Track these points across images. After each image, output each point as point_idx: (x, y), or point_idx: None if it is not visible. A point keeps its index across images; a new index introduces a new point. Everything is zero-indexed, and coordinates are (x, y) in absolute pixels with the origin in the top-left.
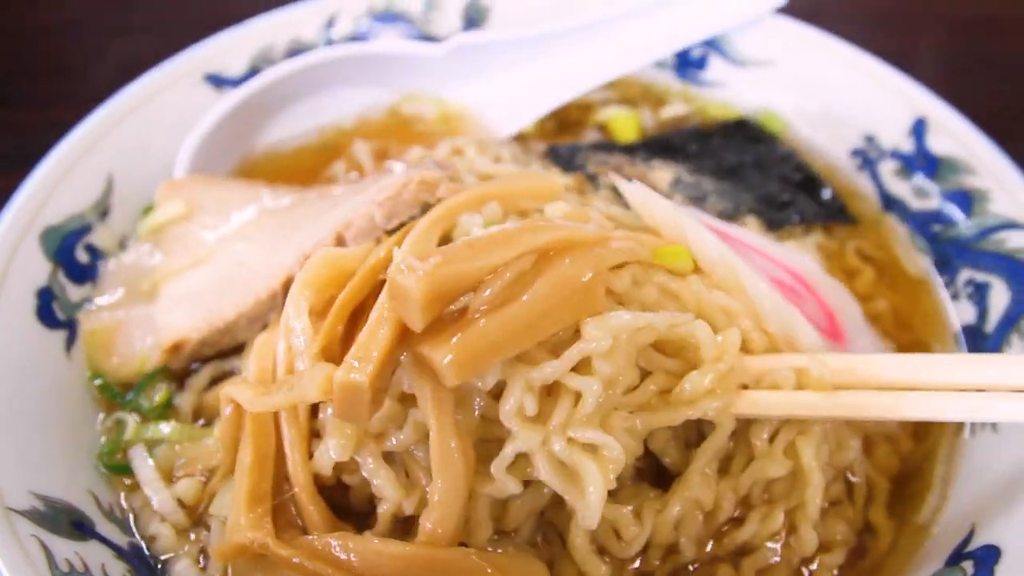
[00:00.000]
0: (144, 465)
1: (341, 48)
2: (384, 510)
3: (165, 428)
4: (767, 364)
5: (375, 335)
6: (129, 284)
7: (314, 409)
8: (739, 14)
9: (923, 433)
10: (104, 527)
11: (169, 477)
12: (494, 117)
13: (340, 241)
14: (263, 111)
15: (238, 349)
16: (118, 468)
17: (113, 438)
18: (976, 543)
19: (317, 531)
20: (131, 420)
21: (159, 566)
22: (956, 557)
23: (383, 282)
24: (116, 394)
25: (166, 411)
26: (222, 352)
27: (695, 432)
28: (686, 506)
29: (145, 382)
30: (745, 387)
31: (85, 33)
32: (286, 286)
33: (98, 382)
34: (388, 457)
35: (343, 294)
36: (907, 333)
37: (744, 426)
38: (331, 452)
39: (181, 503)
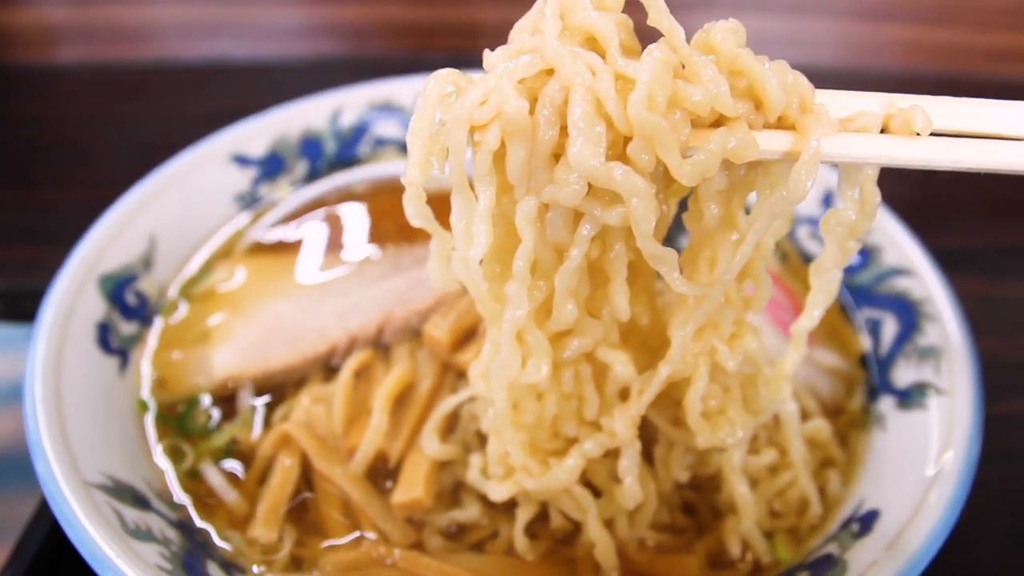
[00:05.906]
0: (217, 479)
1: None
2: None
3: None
4: (849, 103)
5: None
6: (181, 334)
7: None
8: None
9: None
10: (157, 504)
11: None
12: None
13: (380, 332)
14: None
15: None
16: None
17: (185, 459)
18: (861, 511)
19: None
20: (188, 450)
21: (203, 538)
22: (846, 523)
23: None
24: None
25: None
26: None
27: None
28: None
29: (188, 410)
30: None
31: (101, 123)
32: (328, 353)
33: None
34: None
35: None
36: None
37: None
38: None
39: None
